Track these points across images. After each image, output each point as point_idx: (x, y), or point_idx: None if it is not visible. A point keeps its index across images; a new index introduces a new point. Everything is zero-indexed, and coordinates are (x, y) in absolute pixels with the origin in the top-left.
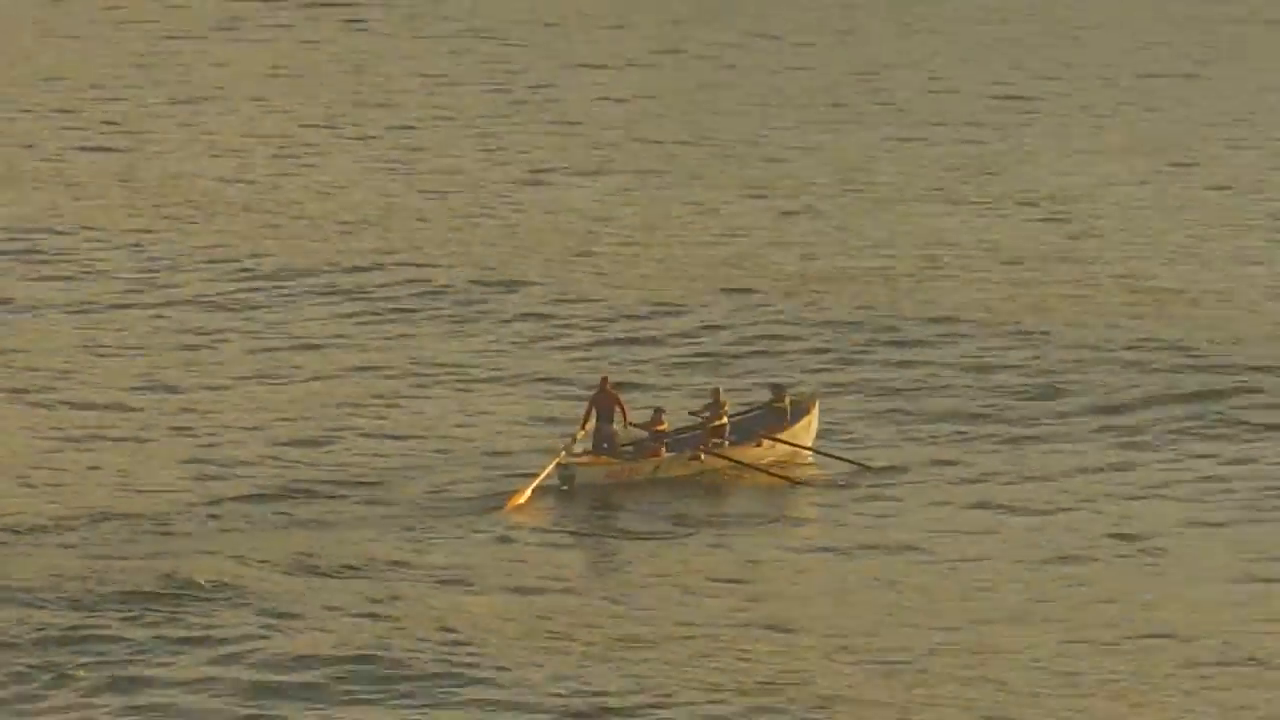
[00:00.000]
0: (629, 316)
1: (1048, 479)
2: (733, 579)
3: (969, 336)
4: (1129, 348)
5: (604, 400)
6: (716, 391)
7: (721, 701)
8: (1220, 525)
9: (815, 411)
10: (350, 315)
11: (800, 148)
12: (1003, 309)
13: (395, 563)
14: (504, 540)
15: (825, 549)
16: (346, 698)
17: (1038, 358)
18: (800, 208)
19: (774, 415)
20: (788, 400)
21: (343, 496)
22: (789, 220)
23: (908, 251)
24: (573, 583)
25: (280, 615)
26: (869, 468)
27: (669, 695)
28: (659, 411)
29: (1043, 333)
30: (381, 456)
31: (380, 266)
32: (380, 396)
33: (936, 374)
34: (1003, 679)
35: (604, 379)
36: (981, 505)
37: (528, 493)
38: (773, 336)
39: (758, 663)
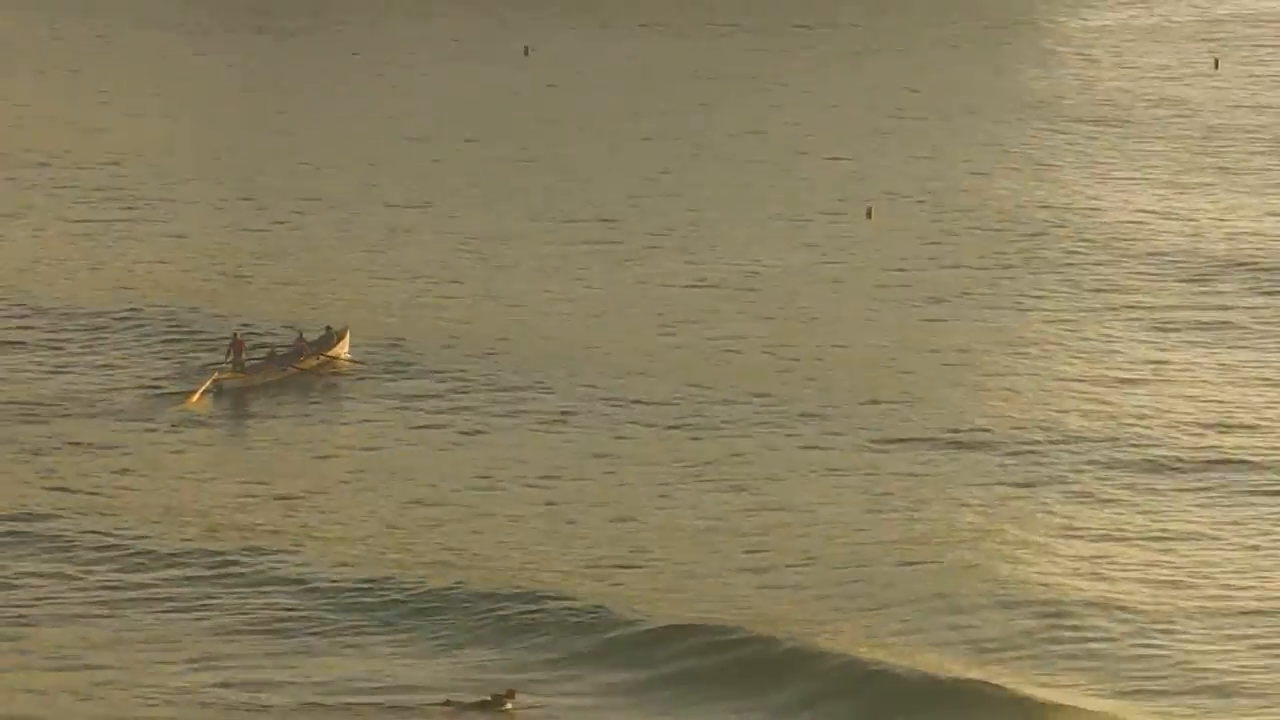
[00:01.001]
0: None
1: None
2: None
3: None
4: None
5: (237, 347)
6: (300, 335)
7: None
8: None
9: (348, 337)
10: None
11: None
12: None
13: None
14: (181, 425)
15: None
16: None
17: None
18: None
19: (326, 341)
20: (333, 332)
21: None
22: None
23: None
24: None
25: None
26: (361, 363)
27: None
28: (288, 345)
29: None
30: None
31: None
32: None
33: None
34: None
35: (235, 334)
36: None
37: (197, 396)
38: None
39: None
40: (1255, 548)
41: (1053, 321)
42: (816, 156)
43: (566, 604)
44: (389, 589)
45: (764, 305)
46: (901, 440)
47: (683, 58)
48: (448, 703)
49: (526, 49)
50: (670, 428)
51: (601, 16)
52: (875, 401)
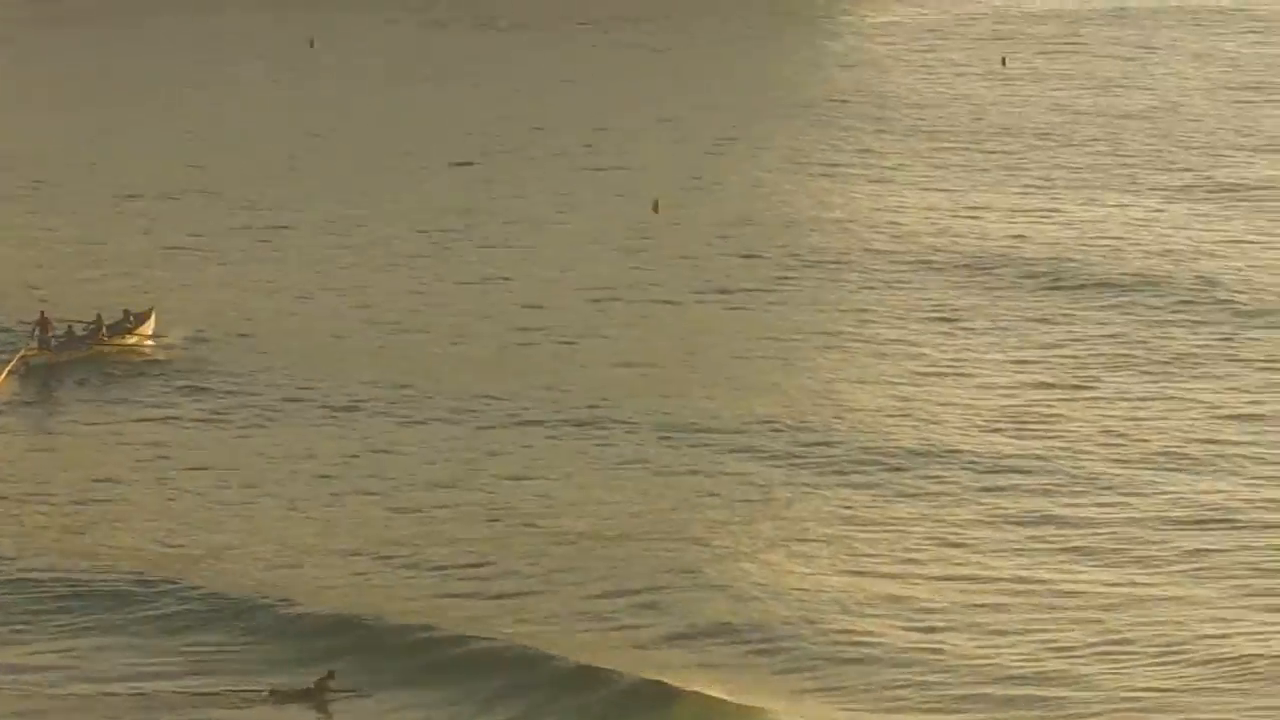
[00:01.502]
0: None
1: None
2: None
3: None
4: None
5: (44, 325)
6: (98, 316)
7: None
8: None
9: (153, 318)
10: None
11: None
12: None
13: None
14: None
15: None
16: None
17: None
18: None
19: (132, 321)
20: (131, 315)
21: None
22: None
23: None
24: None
25: None
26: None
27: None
28: (89, 323)
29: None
30: None
31: None
32: None
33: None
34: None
35: (42, 313)
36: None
37: (3, 375)
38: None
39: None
40: (1013, 550)
41: (834, 317)
42: (604, 150)
43: (321, 608)
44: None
45: (546, 298)
46: (666, 436)
47: (469, 53)
48: (272, 692)
49: (312, 41)
50: (448, 423)
51: (387, 14)
52: (639, 396)
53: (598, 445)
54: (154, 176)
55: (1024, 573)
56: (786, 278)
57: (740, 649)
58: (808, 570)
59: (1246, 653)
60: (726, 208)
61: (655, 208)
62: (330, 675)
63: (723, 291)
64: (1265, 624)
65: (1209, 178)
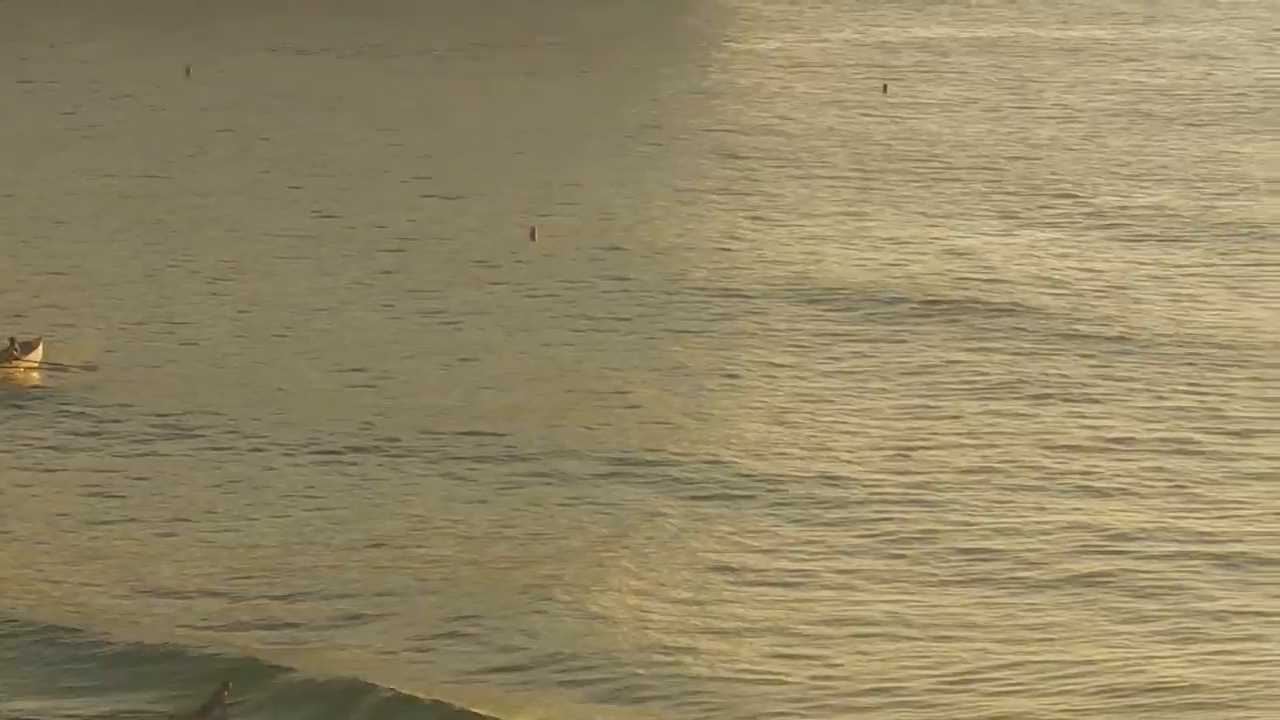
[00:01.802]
0: None
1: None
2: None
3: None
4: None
5: None
6: (11, 340)
7: None
8: None
9: (41, 346)
10: None
11: None
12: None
13: None
14: None
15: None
16: None
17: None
18: None
19: (24, 349)
20: (29, 341)
21: None
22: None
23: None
24: None
25: None
26: (70, 368)
27: None
28: None
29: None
30: None
31: None
32: None
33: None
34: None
35: None
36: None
37: None
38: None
39: None
40: (880, 577)
41: (707, 346)
42: (481, 177)
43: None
44: None
45: (420, 324)
46: (534, 463)
47: (345, 83)
48: (171, 717)
49: (188, 69)
50: (316, 452)
51: (270, 41)
52: (512, 423)
53: (463, 473)
54: (40, 203)
55: (890, 599)
56: (662, 306)
57: (573, 678)
58: (658, 601)
59: (1120, 682)
60: (603, 236)
61: (532, 235)
62: (226, 686)
63: (596, 318)
64: (1144, 651)
65: (1087, 207)
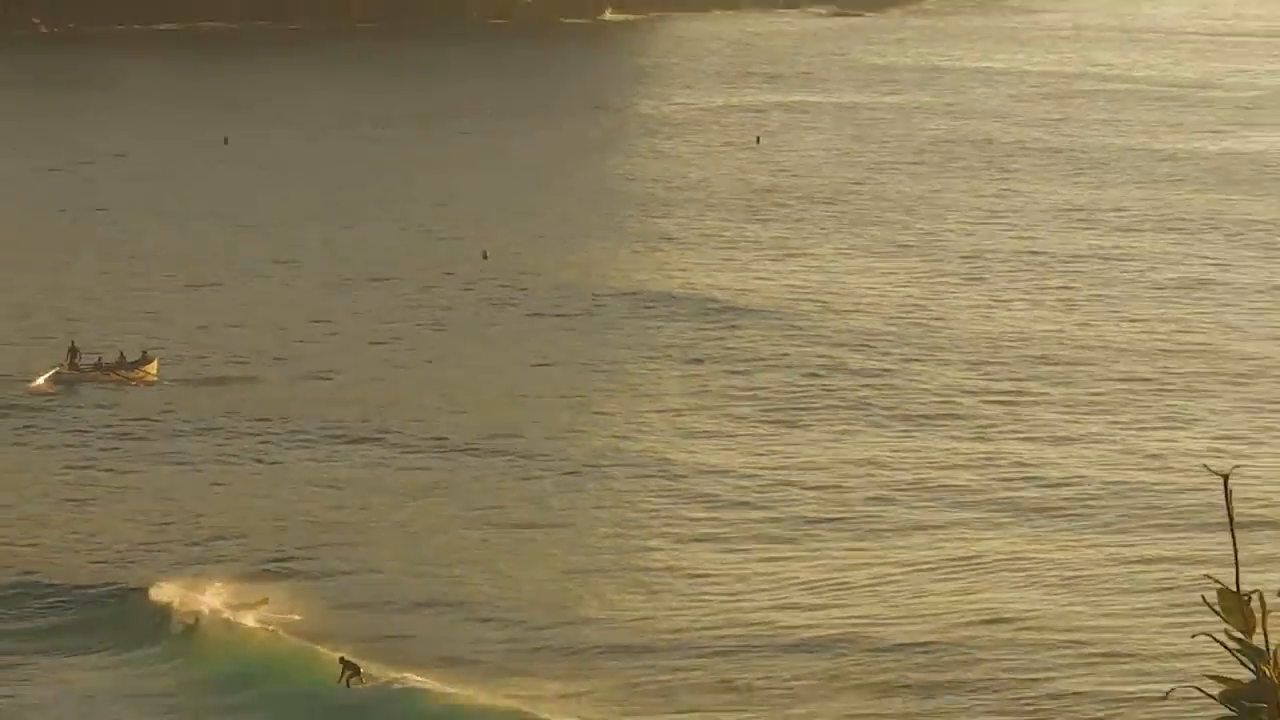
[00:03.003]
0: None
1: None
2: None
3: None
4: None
5: (74, 352)
6: (120, 353)
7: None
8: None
9: (156, 362)
10: None
11: None
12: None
13: None
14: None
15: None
16: None
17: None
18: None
19: (139, 361)
20: (146, 355)
21: None
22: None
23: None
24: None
25: None
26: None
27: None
28: (120, 355)
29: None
30: None
31: None
32: None
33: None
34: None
35: (72, 343)
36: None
37: (41, 381)
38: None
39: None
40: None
41: (600, 353)
42: (448, 213)
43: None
44: None
45: (399, 330)
46: (439, 449)
47: (346, 148)
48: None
49: (226, 139)
50: (288, 446)
51: (288, 119)
52: (442, 418)
53: (376, 460)
54: (103, 243)
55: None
56: (587, 311)
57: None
58: (529, 572)
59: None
60: (543, 259)
61: (485, 256)
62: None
63: (534, 324)
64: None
65: (927, 237)
